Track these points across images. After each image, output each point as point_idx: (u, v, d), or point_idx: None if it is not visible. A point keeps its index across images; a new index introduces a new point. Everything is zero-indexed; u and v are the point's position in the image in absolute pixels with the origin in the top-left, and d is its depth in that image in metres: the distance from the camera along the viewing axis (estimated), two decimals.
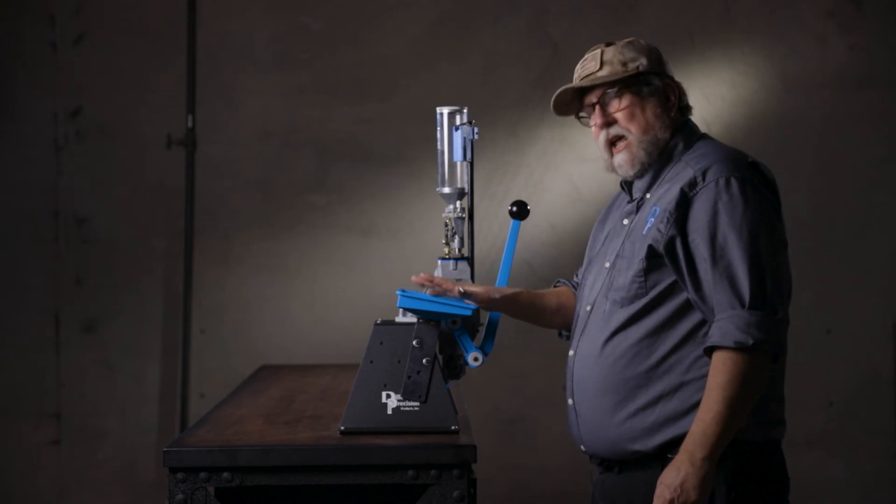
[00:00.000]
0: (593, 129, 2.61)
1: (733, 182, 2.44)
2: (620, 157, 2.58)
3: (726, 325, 2.39)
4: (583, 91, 2.62)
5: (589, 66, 2.59)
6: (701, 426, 2.38)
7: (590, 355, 2.55)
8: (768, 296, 2.40)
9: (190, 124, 4.89)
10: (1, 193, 4.90)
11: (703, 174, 2.47)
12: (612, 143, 2.59)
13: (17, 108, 4.90)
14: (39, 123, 4.90)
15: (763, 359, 2.40)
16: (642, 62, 2.57)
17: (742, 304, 2.39)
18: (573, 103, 2.65)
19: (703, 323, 2.46)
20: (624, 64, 2.56)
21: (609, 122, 2.57)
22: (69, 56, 4.91)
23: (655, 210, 2.51)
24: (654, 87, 2.58)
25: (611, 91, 2.56)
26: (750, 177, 2.47)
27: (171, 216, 4.94)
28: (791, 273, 2.49)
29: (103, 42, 4.92)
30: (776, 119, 4.91)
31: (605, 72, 2.57)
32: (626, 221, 2.61)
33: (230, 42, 4.95)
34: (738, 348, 2.37)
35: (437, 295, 2.67)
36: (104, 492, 4.92)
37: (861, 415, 4.92)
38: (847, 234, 4.94)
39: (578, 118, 2.67)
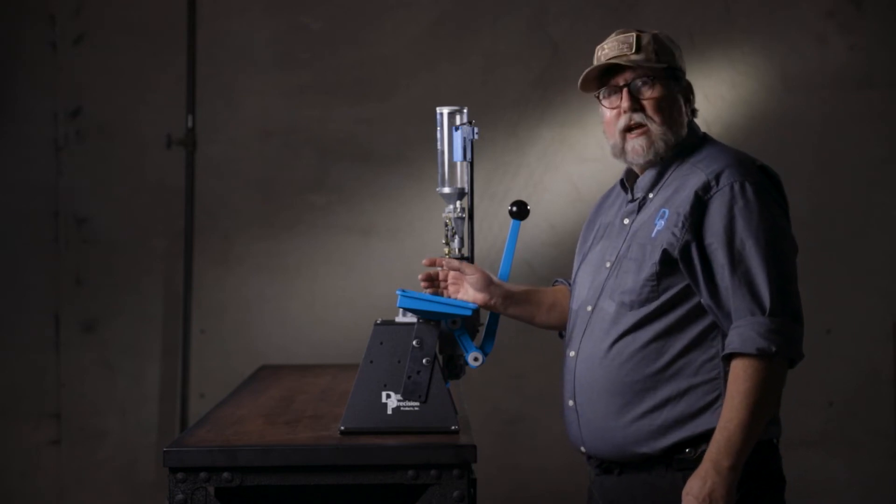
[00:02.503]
0: (611, 111, 2.56)
1: (748, 187, 2.43)
2: (636, 142, 2.53)
3: (747, 331, 2.37)
4: (608, 71, 2.56)
5: (622, 48, 2.53)
6: (725, 434, 2.36)
7: (594, 356, 2.53)
8: (788, 301, 2.39)
9: (190, 124, 4.89)
10: (1, 193, 4.90)
11: (717, 178, 2.45)
12: (628, 129, 2.54)
13: (17, 108, 4.90)
14: (39, 123, 4.89)
15: (783, 365, 2.39)
16: (674, 57, 2.55)
17: (762, 311, 2.38)
18: (593, 81, 2.59)
19: (712, 327, 2.45)
20: (657, 54, 2.52)
21: (636, 108, 2.52)
22: (69, 56, 4.90)
23: (665, 212, 2.49)
24: (682, 84, 2.56)
25: (645, 78, 2.52)
26: (762, 181, 2.46)
27: (171, 216, 4.94)
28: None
29: (103, 42, 4.92)
30: (776, 119, 4.91)
31: (640, 56, 2.52)
32: (626, 221, 2.59)
33: (230, 42, 4.95)
34: (760, 355, 2.36)
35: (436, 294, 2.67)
36: (104, 492, 4.92)
37: (861, 415, 4.92)
38: (847, 234, 4.94)
39: (598, 97, 2.60)
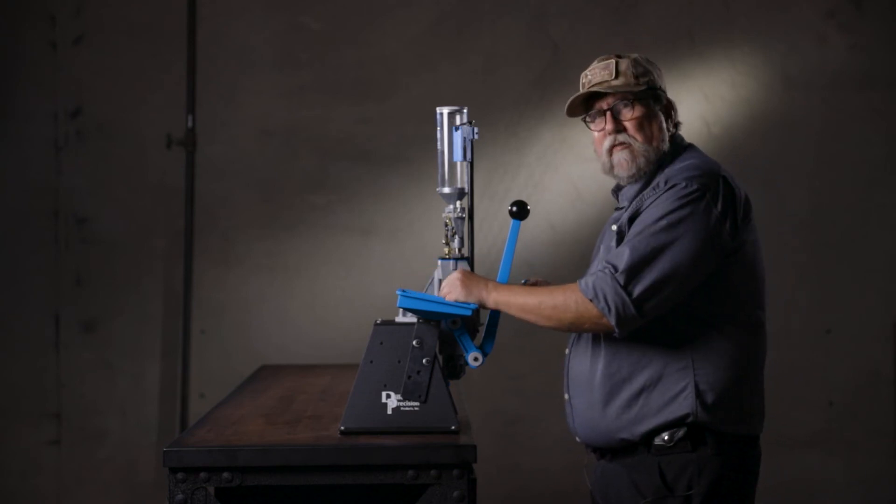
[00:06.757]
0: (597, 133, 2.71)
1: (689, 186, 2.54)
2: (621, 155, 2.67)
3: (589, 278, 2.51)
4: (592, 96, 2.71)
5: (603, 74, 2.68)
6: (515, 293, 2.57)
7: (583, 353, 2.67)
8: (639, 283, 2.47)
9: (190, 124, 4.90)
10: (1, 193, 4.91)
11: (667, 181, 2.58)
12: (614, 147, 2.68)
13: (17, 108, 4.90)
14: (39, 123, 4.90)
15: (591, 314, 2.49)
16: (653, 77, 2.68)
17: (615, 269, 2.49)
18: (580, 106, 2.74)
19: (679, 318, 2.54)
20: (636, 77, 2.67)
21: (619, 129, 2.67)
22: (69, 56, 4.91)
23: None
24: (662, 102, 2.70)
25: (625, 101, 2.66)
26: (708, 187, 2.54)
27: (171, 216, 4.94)
28: (682, 291, 2.51)
29: (103, 42, 4.92)
30: (776, 119, 4.91)
31: (619, 81, 2.66)
32: (613, 227, 2.69)
33: (230, 42, 4.95)
34: (584, 292, 2.50)
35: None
36: (104, 492, 4.92)
37: (861, 415, 4.92)
38: (847, 234, 4.94)
39: (585, 121, 2.76)
